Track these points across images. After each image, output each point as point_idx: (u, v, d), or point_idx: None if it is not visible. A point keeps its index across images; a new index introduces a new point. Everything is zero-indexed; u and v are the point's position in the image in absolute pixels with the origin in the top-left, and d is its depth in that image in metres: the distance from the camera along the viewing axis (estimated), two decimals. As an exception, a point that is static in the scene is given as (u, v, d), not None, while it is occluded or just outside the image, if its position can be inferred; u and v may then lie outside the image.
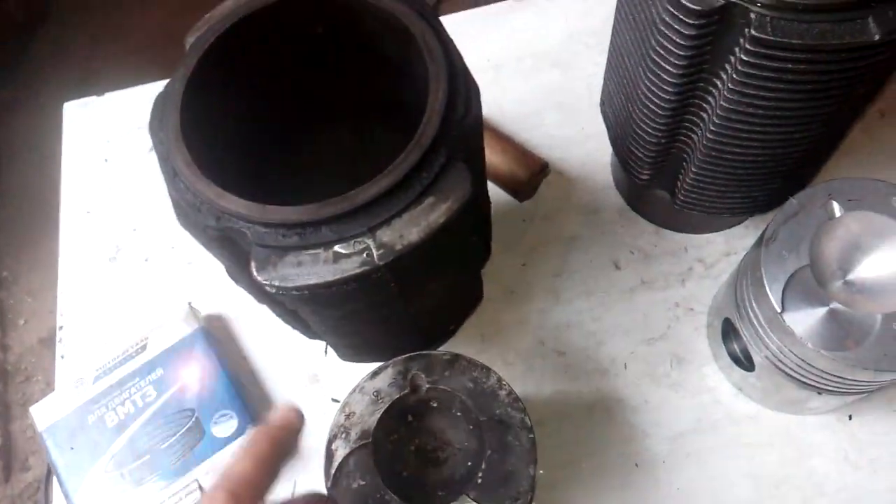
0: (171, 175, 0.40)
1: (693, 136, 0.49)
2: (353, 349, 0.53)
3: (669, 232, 0.65)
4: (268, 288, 0.38)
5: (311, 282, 0.37)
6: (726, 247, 0.64)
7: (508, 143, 0.67)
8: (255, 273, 0.38)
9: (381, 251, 0.37)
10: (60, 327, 0.72)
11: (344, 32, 0.46)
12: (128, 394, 0.64)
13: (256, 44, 0.45)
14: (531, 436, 0.47)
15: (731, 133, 0.45)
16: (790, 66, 0.38)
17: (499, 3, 0.78)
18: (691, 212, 0.56)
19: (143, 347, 0.66)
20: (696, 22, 0.39)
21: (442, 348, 0.64)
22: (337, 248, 0.38)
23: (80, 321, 0.71)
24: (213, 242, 0.41)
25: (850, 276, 0.46)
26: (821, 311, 0.45)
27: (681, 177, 0.53)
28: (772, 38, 0.37)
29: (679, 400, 0.60)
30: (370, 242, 0.38)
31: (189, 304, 0.68)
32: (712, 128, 0.45)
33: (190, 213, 0.40)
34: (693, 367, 0.61)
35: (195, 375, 0.64)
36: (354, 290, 0.39)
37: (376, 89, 0.51)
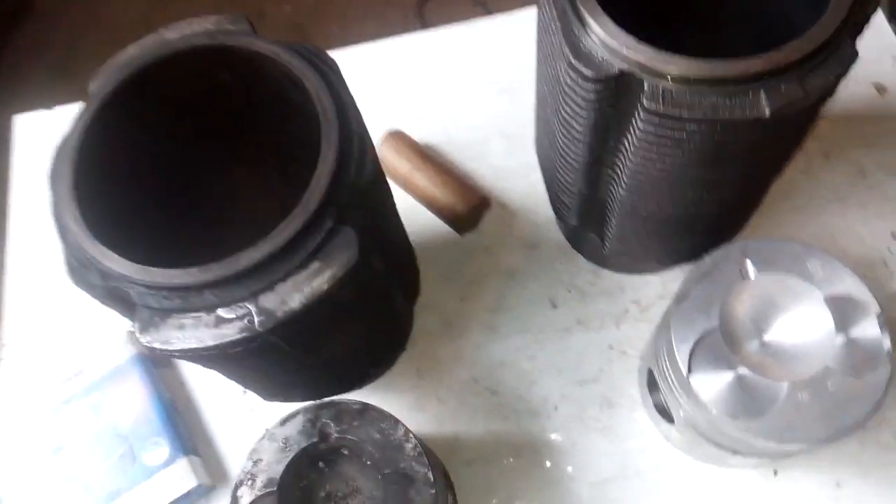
0: (63, 231, 0.40)
1: (611, 190, 0.48)
2: (266, 392, 0.52)
3: (607, 271, 0.64)
4: (150, 349, 0.38)
5: (192, 346, 0.37)
6: (662, 289, 0.63)
7: (449, 175, 0.66)
8: (137, 334, 0.38)
9: (262, 318, 0.37)
10: (3, 345, 0.72)
11: (251, 80, 0.45)
12: (65, 417, 0.64)
13: (162, 91, 0.44)
14: (433, 491, 0.46)
15: (642, 191, 0.44)
16: (685, 135, 0.37)
17: (448, 27, 0.77)
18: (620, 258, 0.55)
19: (83, 371, 0.66)
20: (592, 87, 0.38)
21: (374, 384, 0.63)
22: (219, 311, 0.37)
23: (24, 341, 0.71)
24: (104, 300, 0.40)
25: (763, 339, 0.45)
26: (728, 377, 0.44)
27: (606, 226, 0.52)
28: (662, 109, 0.36)
29: (606, 444, 0.59)
30: (252, 308, 0.37)
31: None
32: (623, 185, 0.44)
33: (78, 270, 0.39)
34: (623, 412, 0.60)
35: (130, 401, 0.64)
36: (240, 352, 0.38)
37: (294, 131, 0.50)
